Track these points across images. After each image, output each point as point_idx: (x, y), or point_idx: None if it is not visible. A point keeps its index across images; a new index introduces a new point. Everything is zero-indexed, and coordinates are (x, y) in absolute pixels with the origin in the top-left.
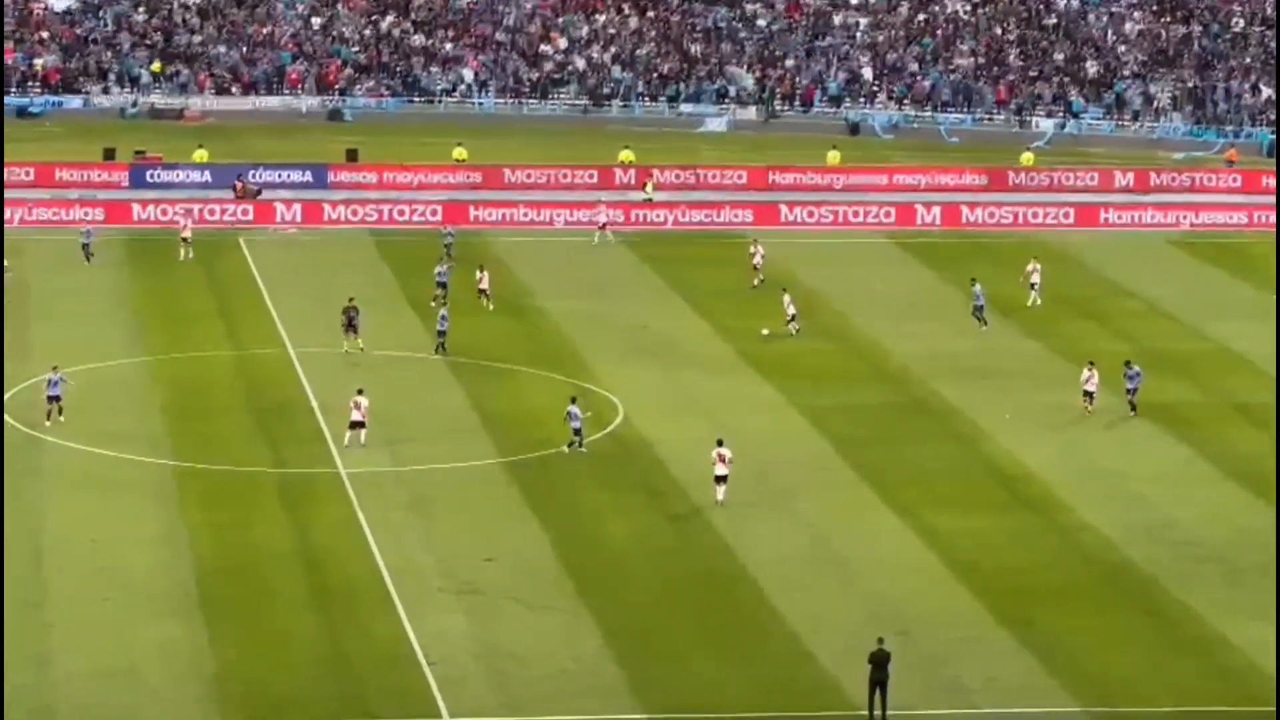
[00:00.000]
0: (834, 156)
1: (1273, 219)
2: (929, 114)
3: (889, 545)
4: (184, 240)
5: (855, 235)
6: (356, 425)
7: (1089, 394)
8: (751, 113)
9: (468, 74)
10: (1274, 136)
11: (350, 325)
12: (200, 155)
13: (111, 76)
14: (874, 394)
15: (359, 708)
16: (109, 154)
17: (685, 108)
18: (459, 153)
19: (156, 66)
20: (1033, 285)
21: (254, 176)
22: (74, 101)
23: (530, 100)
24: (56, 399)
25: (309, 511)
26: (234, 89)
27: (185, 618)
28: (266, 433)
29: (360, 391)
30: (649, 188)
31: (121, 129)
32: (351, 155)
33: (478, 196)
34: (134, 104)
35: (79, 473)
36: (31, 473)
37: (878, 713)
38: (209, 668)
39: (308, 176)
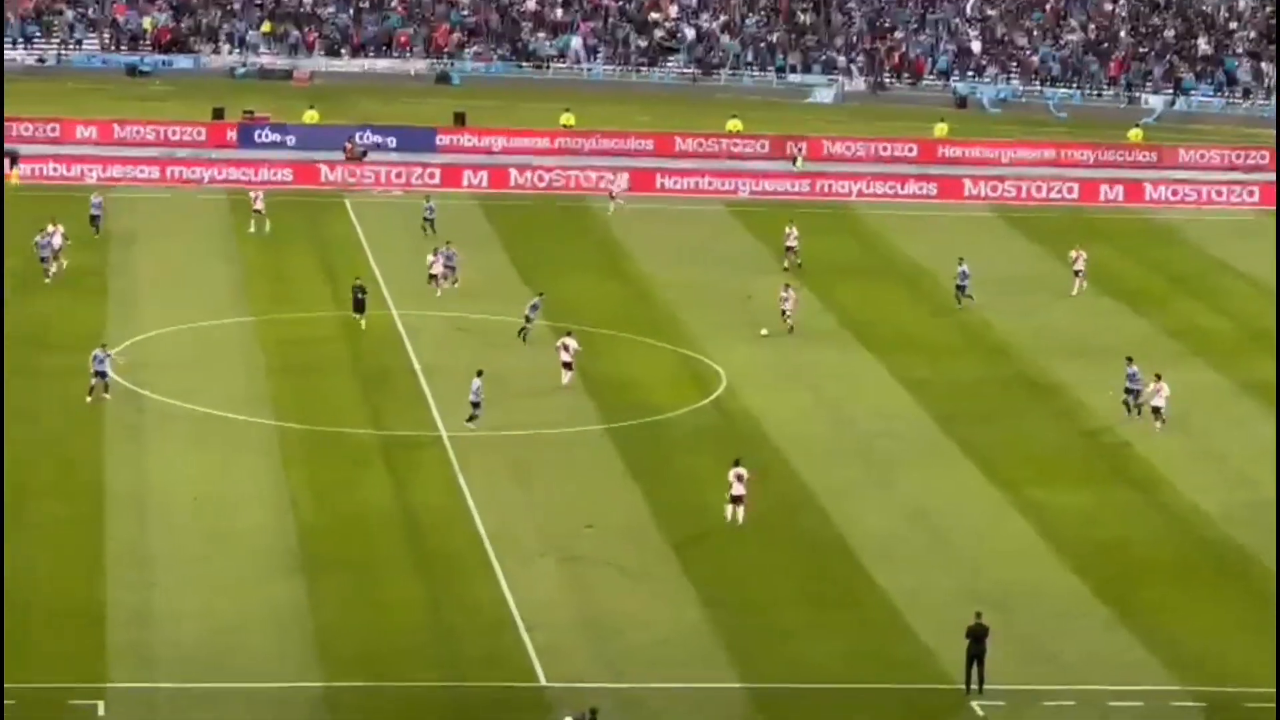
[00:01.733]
0: (941, 129)
1: None
2: (1037, 89)
3: (990, 519)
4: (256, 212)
5: (960, 208)
6: (567, 366)
7: (1156, 409)
8: (860, 84)
9: (577, 41)
10: None
11: (358, 305)
12: (310, 116)
13: (222, 36)
14: (977, 368)
15: (458, 671)
16: (218, 114)
17: (793, 78)
18: (566, 119)
19: (267, 27)
20: (1076, 273)
21: (361, 138)
22: (184, 61)
23: (639, 68)
24: (103, 375)
25: (411, 474)
26: (343, 51)
27: (287, 578)
28: (370, 395)
29: (569, 333)
30: (798, 160)
31: (231, 89)
32: (459, 119)
33: (584, 162)
34: (243, 64)
35: (182, 432)
36: (135, 431)
37: (975, 686)
38: (310, 628)
39: (415, 139)
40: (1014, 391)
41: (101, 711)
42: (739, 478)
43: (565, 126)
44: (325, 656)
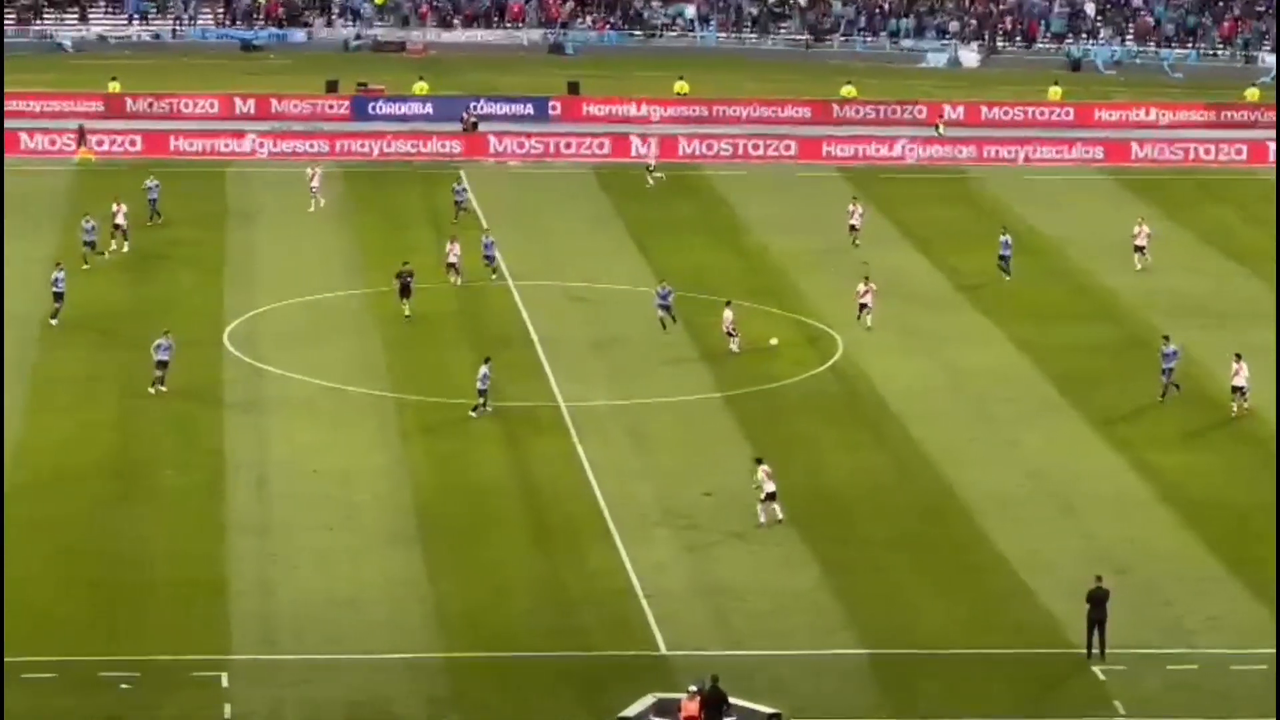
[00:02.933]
0: (1055, 92)
1: None
2: (1152, 49)
3: (1109, 482)
4: (313, 189)
5: (1075, 171)
6: (730, 334)
7: (1238, 389)
8: (974, 48)
9: (689, 9)
10: None
11: (404, 290)
12: (420, 88)
13: (334, 9)
14: (1094, 331)
15: (576, 640)
16: (331, 86)
17: (906, 43)
18: (680, 86)
19: None
20: (1138, 248)
21: (475, 109)
22: (297, 34)
23: (751, 35)
24: (165, 365)
25: (529, 444)
26: (456, 22)
27: (406, 548)
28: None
29: (728, 303)
30: (940, 126)
31: (344, 61)
32: (573, 88)
33: (698, 130)
34: (356, 36)
35: (301, 404)
36: (254, 404)
37: (1096, 651)
38: (429, 598)
39: (529, 109)
40: (1130, 353)
41: (225, 683)
42: (768, 475)
43: (679, 94)
44: (444, 627)
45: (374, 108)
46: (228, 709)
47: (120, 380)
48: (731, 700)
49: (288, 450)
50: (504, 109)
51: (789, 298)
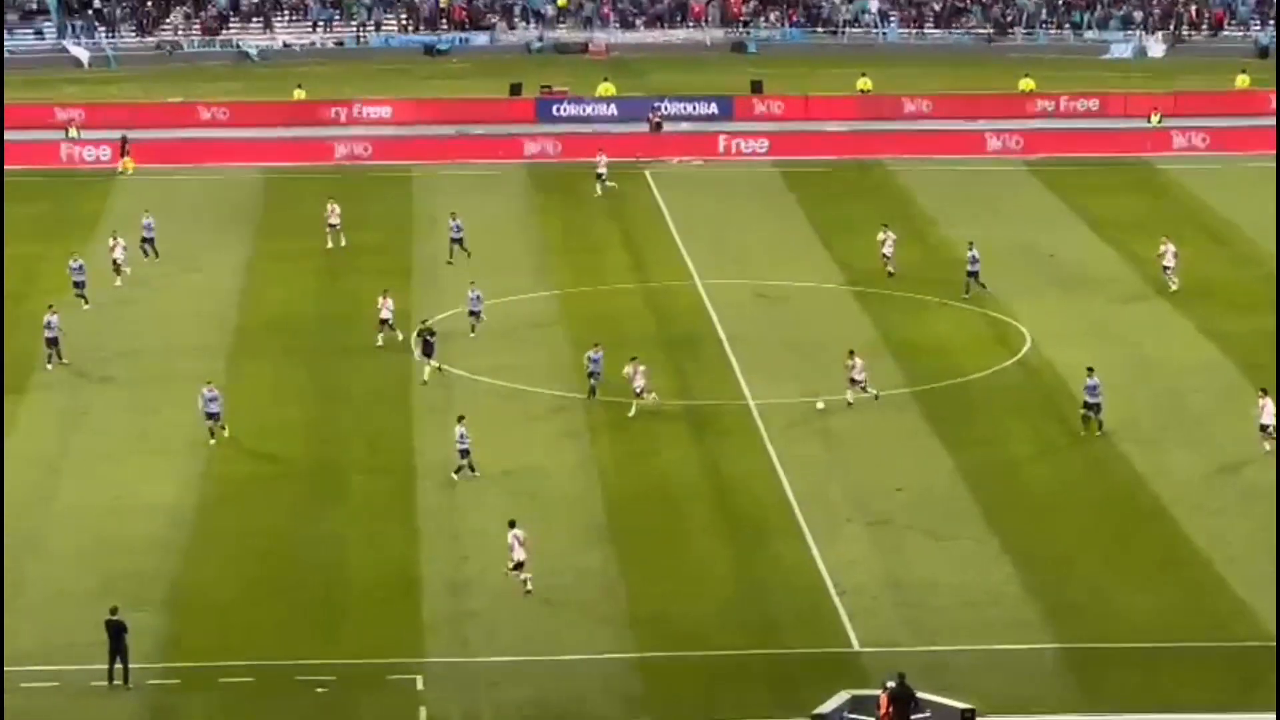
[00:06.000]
0: (1243, 80)
1: None
2: None
3: None
4: (331, 226)
5: (1263, 158)
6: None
7: (1264, 427)
8: (1159, 38)
9: (872, 4)
10: None
11: (427, 348)
12: (605, 88)
13: (517, 12)
14: None
15: (769, 637)
16: (515, 89)
17: (1090, 34)
18: (863, 83)
19: (562, 1)
20: (1165, 269)
21: (660, 109)
22: (480, 38)
23: (933, 30)
24: (215, 417)
25: (718, 442)
26: (638, 22)
27: (598, 547)
28: (675, 364)
29: (634, 358)
30: (1157, 116)
31: (527, 64)
32: (756, 86)
33: (880, 127)
34: (539, 39)
35: (489, 405)
36: (443, 406)
37: None
38: (621, 597)
39: (713, 108)
40: None
41: (420, 686)
42: (519, 541)
43: (862, 91)
44: (636, 626)
45: (557, 109)
46: (423, 712)
47: (310, 386)
48: (924, 696)
49: (477, 452)
50: (687, 108)
51: (978, 292)
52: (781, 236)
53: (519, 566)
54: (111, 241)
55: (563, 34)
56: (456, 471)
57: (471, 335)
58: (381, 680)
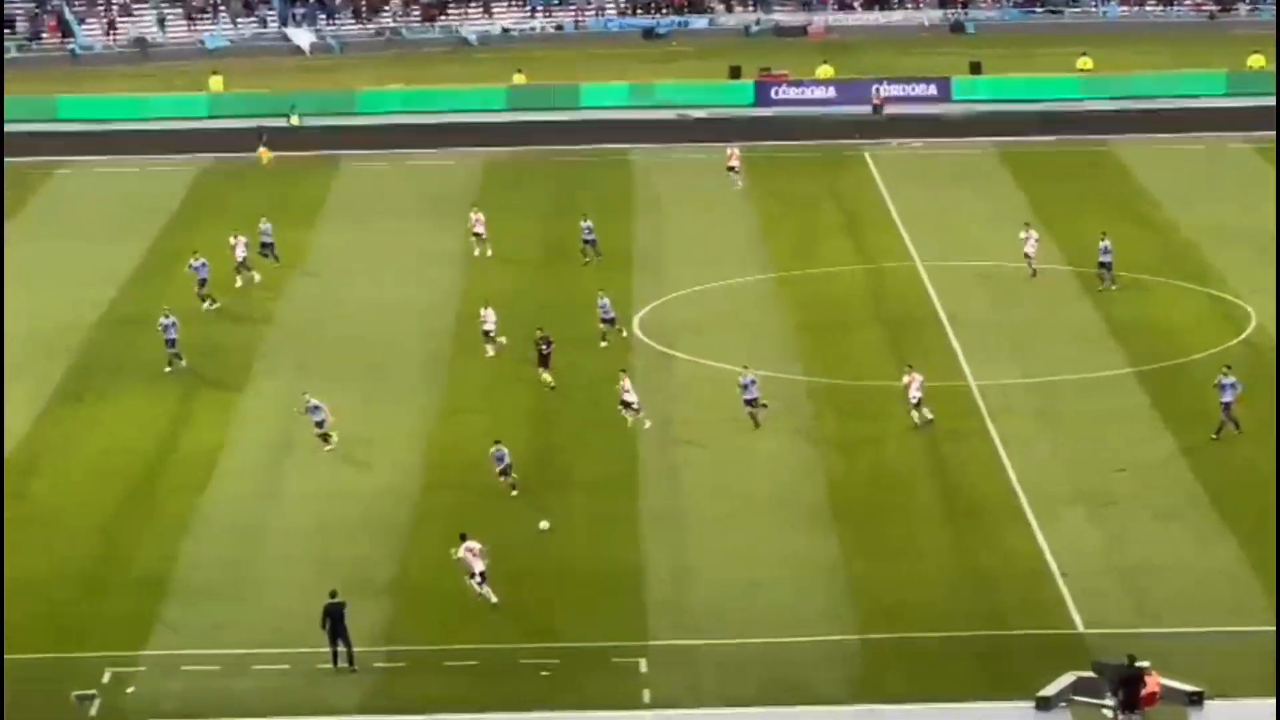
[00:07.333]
0: None
1: None
2: None
3: None
4: (476, 235)
5: None
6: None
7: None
8: None
9: None
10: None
11: (542, 359)
12: (824, 71)
13: None
14: None
15: (992, 620)
16: (734, 72)
17: None
18: (1083, 62)
19: None
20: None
21: (880, 91)
22: (699, 21)
23: (1155, 6)
24: (321, 425)
25: (940, 424)
26: (856, 4)
27: (817, 530)
28: (896, 347)
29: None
30: None
31: (746, 46)
32: (975, 67)
33: (1100, 107)
34: (758, 22)
35: (707, 390)
36: (664, 390)
37: None
38: (843, 580)
39: (932, 90)
40: None
41: (644, 668)
42: (473, 553)
43: (1082, 70)
44: (858, 609)
45: (776, 92)
46: (646, 694)
47: (531, 375)
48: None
49: (696, 436)
50: (907, 90)
51: (1199, 271)
52: (1000, 217)
53: (483, 577)
54: (233, 240)
55: (781, 17)
56: (514, 488)
57: (603, 344)
58: (606, 662)
